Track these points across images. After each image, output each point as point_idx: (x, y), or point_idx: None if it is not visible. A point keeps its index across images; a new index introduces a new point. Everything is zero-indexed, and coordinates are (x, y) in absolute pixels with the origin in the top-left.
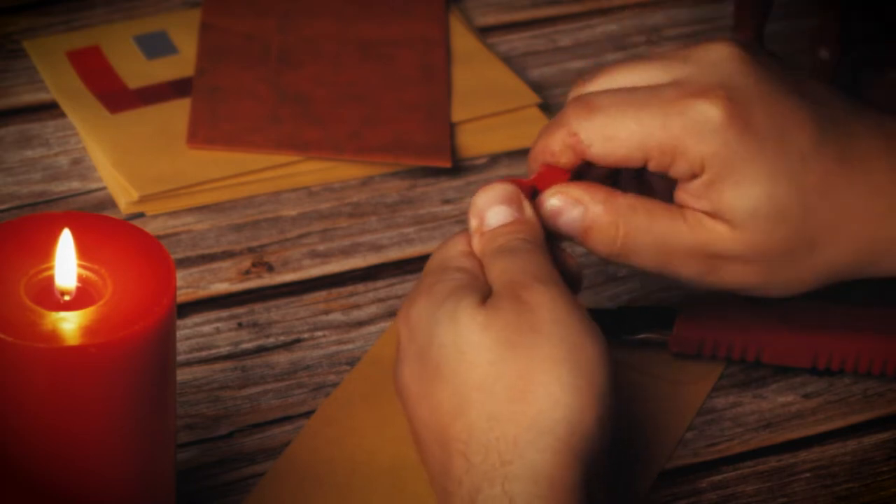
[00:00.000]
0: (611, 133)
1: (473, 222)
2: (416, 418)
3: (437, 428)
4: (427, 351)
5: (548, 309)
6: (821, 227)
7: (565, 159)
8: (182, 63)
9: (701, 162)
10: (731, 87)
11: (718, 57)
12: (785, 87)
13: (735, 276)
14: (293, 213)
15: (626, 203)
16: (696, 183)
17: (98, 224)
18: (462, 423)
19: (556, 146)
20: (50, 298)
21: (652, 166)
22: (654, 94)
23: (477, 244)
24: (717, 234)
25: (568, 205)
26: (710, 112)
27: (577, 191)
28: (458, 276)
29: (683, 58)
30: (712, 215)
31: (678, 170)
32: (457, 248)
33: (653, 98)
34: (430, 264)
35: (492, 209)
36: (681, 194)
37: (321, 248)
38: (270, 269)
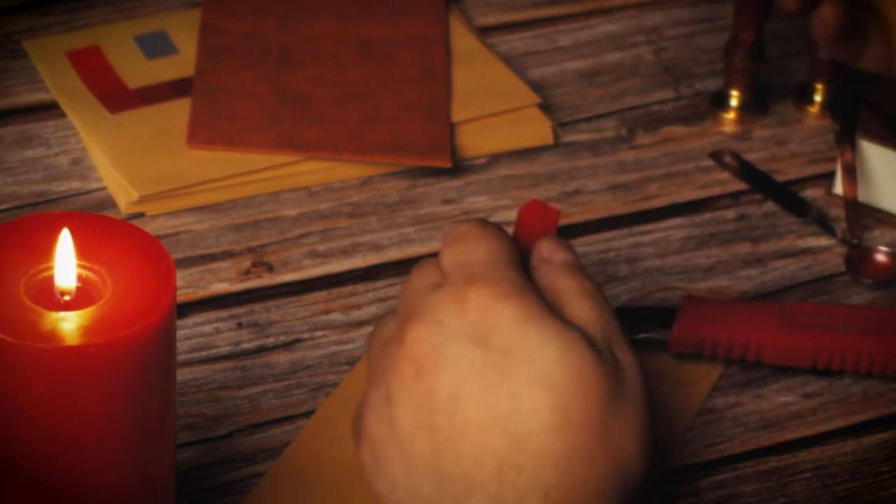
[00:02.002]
0: None
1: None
2: (469, 400)
3: (500, 426)
4: (524, 359)
5: (632, 375)
6: None
7: None
8: (182, 63)
9: None
10: None
11: None
12: None
13: None
14: (293, 213)
15: None
16: None
17: (98, 224)
18: (553, 440)
19: None
20: (50, 298)
21: None
22: None
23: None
24: None
25: None
26: None
27: None
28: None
29: None
30: None
31: None
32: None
33: None
34: (502, 256)
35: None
36: None
37: (321, 248)
38: (270, 269)
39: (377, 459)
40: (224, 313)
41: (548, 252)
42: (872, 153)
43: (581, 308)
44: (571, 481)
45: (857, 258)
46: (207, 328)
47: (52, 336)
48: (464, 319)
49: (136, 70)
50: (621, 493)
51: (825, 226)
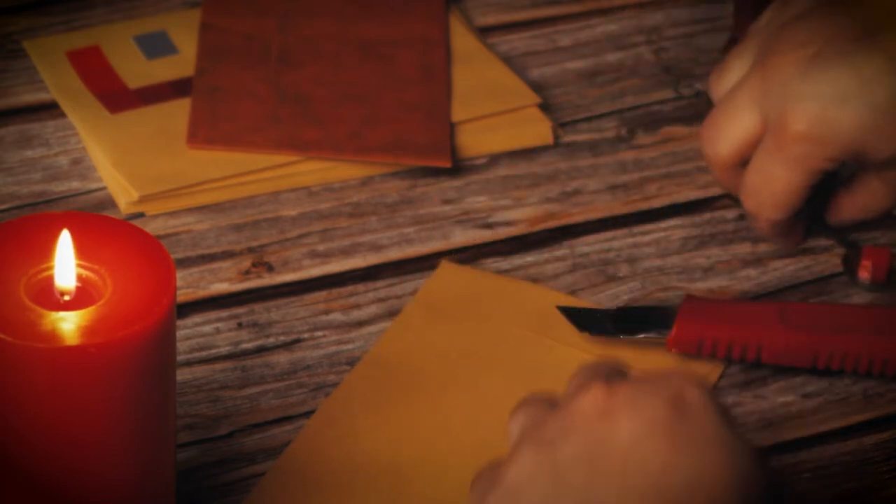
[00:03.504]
0: (780, 202)
1: None
2: (651, 447)
3: (679, 477)
4: (711, 440)
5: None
6: None
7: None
8: (182, 63)
9: (837, 163)
10: (798, 97)
11: None
12: None
13: None
14: (293, 213)
15: None
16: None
17: (98, 224)
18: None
19: (771, 227)
20: (50, 298)
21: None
22: (768, 147)
23: None
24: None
25: None
26: (802, 133)
27: None
28: None
29: (752, 85)
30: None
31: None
32: None
33: (770, 151)
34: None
35: None
36: None
37: (321, 248)
38: (270, 269)
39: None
40: (224, 313)
41: None
42: None
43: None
44: None
45: (854, 258)
46: (207, 328)
47: (52, 336)
48: (668, 386)
49: (136, 70)
50: None
51: (824, 226)
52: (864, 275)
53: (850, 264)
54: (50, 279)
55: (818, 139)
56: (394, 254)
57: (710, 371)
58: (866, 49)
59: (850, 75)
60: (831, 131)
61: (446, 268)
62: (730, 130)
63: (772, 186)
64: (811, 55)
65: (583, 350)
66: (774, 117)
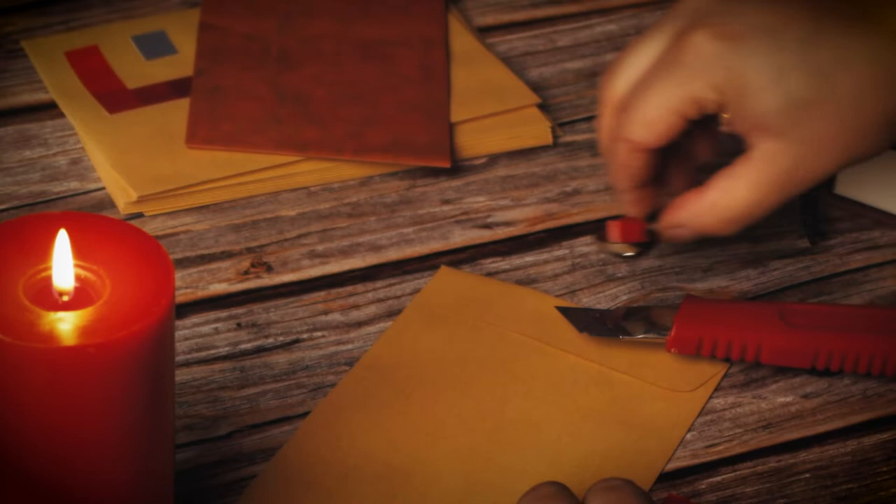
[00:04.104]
0: (647, 118)
1: None
2: None
3: None
4: None
5: None
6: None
7: (640, 162)
8: (181, 63)
9: (717, 97)
10: (714, 15)
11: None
12: None
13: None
14: (292, 213)
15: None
16: (731, 115)
17: (97, 224)
18: None
19: (626, 157)
20: (48, 299)
21: (695, 117)
22: (659, 65)
23: None
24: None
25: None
26: (701, 48)
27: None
28: None
29: (673, 15)
30: (759, 133)
31: (710, 111)
32: None
33: (660, 69)
34: None
35: None
36: (729, 128)
37: (320, 248)
38: (269, 269)
39: None
40: (223, 314)
41: None
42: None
43: None
44: None
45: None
46: (206, 328)
47: (51, 336)
48: None
49: (135, 70)
50: None
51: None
52: (613, 234)
53: (603, 230)
54: (48, 279)
55: (712, 55)
56: (393, 254)
57: (711, 376)
58: None
59: (769, 12)
60: (729, 53)
61: (445, 273)
62: (630, 62)
63: (646, 103)
64: None
65: (579, 355)
66: (679, 34)
